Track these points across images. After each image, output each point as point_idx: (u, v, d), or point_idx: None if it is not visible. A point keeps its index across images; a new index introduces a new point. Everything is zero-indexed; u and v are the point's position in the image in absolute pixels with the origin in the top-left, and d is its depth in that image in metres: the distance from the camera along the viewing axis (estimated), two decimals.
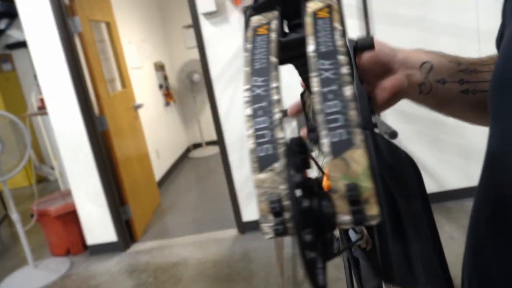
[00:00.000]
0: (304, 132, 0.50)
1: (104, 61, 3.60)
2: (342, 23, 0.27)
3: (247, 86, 0.28)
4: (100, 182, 3.17)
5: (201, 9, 2.83)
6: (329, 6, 0.28)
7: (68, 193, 3.39)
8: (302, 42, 0.28)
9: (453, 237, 2.58)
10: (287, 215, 0.24)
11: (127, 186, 3.42)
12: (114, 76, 3.87)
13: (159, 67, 5.43)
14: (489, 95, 0.43)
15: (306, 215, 0.23)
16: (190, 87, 5.83)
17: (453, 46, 2.73)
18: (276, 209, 0.25)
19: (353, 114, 0.23)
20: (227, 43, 2.90)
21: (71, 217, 3.27)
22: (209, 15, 2.85)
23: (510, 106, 0.39)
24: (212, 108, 3.04)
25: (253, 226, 3.16)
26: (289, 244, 2.64)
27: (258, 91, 0.28)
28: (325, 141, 0.23)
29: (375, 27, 2.81)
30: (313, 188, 0.24)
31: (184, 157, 6.00)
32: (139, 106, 3.98)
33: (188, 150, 6.27)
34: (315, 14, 0.28)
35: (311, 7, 0.29)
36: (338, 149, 0.22)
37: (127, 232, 3.35)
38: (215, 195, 4.17)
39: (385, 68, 0.51)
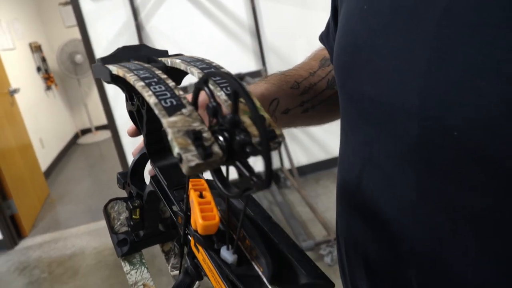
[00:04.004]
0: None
1: None
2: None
3: (131, 74, 0.32)
4: None
5: None
6: None
7: None
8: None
9: None
10: (207, 143, 0.26)
11: (9, 179, 3.13)
12: None
13: (36, 48, 4.97)
14: (336, 72, 0.50)
15: (238, 144, 0.26)
16: (73, 69, 5.43)
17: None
18: (197, 135, 0.26)
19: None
20: (111, 19, 2.76)
21: None
22: None
23: (355, 72, 0.45)
24: (99, 90, 2.89)
25: None
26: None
27: (144, 75, 0.32)
28: (221, 94, 0.29)
29: (260, 4, 2.90)
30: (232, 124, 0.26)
31: (72, 144, 5.63)
32: (15, 91, 3.62)
33: (76, 137, 5.89)
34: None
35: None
36: (234, 96, 0.25)
37: (12, 228, 3.09)
38: (110, 181, 4.01)
39: None
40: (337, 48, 0.48)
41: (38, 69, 4.92)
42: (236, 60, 2.97)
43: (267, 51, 2.99)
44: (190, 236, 0.38)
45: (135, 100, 0.42)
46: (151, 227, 0.48)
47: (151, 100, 0.28)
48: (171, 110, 0.27)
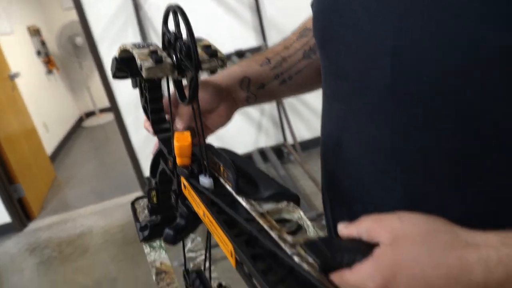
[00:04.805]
0: None
1: None
2: None
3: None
4: None
5: None
6: None
7: None
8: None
9: None
10: (160, 55, 0.40)
11: (14, 164, 3.16)
12: None
13: (34, 32, 4.94)
14: (315, 36, 0.52)
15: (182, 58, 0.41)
16: (74, 52, 5.41)
17: None
18: (153, 51, 0.41)
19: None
20: None
21: None
22: None
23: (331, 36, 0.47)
24: (100, 71, 2.88)
25: None
26: None
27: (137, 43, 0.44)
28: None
29: None
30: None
31: (77, 127, 5.66)
32: (15, 76, 3.62)
33: (80, 120, 5.92)
34: None
35: None
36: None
37: (21, 211, 3.14)
38: (115, 162, 4.04)
39: (216, 104, 0.58)
40: (315, 10, 0.50)
41: (38, 53, 4.91)
42: (237, 36, 2.94)
43: (268, 26, 2.96)
44: (180, 177, 0.47)
45: (144, 92, 0.54)
46: (166, 211, 0.56)
47: (131, 48, 0.43)
48: (139, 47, 0.43)
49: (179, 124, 0.52)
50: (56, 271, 2.53)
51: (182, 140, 0.44)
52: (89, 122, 5.79)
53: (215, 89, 0.57)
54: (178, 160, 0.46)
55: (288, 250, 0.33)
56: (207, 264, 0.57)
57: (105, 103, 5.37)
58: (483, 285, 0.28)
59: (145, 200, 0.61)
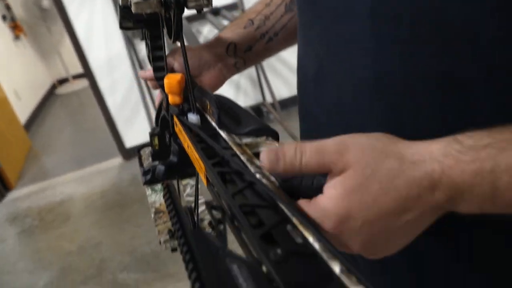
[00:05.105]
0: None
1: None
2: None
3: None
4: None
5: None
6: None
7: None
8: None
9: None
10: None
11: None
12: None
13: None
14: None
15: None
16: (41, 16, 5.17)
17: None
18: None
19: None
20: None
21: None
22: None
23: None
24: (70, 35, 2.76)
25: None
26: None
27: None
28: None
29: None
30: None
31: (50, 95, 5.49)
32: None
33: (53, 87, 5.74)
34: None
35: None
36: None
37: None
38: (92, 128, 3.96)
39: (204, 72, 0.61)
40: None
41: (3, 17, 4.67)
42: None
43: None
44: (172, 116, 0.51)
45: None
46: (168, 156, 0.59)
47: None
48: None
49: (176, 68, 0.58)
50: (39, 239, 2.52)
51: (172, 78, 0.47)
52: (62, 89, 5.62)
53: (202, 57, 0.59)
54: (170, 98, 0.49)
55: (252, 169, 0.35)
56: (198, 205, 0.62)
57: (78, 69, 5.21)
58: (431, 197, 0.30)
59: (150, 148, 0.67)
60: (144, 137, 3.07)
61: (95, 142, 3.64)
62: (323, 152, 0.32)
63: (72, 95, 5.41)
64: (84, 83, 5.34)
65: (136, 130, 3.05)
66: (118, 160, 3.16)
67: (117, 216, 2.52)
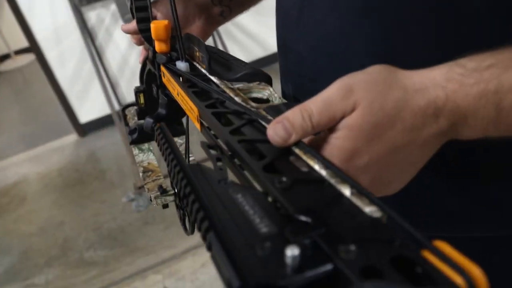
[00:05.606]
0: None
1: None
2: None
3: None
4: None
5: None
6: None
7: None
8: None
9: None
10: None
11: None
12: None
13: None
14: None
15: None
16: None
17: None
18: None
19: None
20: None
21: None
22: None
23: None
24: (12, 7, 2.55)
25: (94, 126, 2.99)
26: None
27: None
28: None
29: None
30: None
31: None
32: None
33: None
34: None
35: None
36: None
37: None
38: (42, 105, 3.75)
39: (190, 21, 0.60)
40: None
41: None
42: None
43: None
44: (160, 67, 0.50)
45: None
46: (154, 111, 0.58)
47: None
48: None
49: (160, 16, 0.57)
50: None
51: (158, 23, 0.46)
52: (4, 67, 5.25)
53: (186, 8, 0.58)
54: (156, 46, 0.48)
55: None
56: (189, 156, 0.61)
57: (20, 43, 4.88)
58: (435, 125, 0.30)
59: (135, 107, 0.64)
60: (100, 112, 2.95)
61: (47, 120, 3.45)
62: (330, 104, 0.30)
63: (15, 72, 5.08)
64: (28, 58, 5.02)
65: (91, 104, 2.91)
66: (73, 136, 3.03)
67: (78, 194, 2.43)
